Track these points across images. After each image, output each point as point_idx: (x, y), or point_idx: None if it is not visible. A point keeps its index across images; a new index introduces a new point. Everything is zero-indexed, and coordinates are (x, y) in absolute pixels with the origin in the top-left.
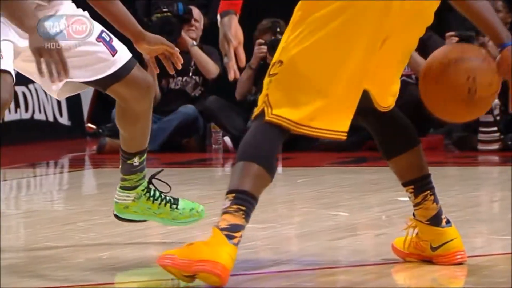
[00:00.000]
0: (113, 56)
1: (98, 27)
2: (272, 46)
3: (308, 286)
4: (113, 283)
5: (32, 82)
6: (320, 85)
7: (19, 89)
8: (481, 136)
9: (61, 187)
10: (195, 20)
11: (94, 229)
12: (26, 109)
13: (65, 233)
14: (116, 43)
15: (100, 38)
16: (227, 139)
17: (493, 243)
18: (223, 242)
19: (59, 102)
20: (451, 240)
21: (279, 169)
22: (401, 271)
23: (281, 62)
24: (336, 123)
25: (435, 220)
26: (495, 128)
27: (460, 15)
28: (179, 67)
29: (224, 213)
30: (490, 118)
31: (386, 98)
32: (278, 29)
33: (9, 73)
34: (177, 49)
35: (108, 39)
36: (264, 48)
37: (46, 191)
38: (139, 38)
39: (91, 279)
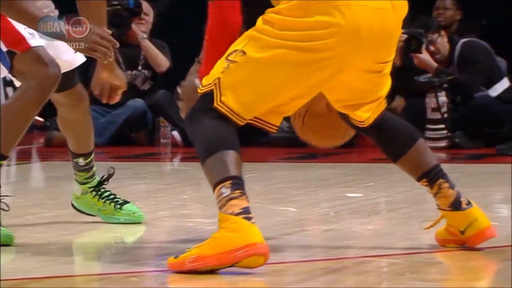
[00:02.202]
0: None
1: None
2: None
3: (256, 280)
4: (65, 276)
5: None
6: (269, 92)
7: None
8: (428, 133)
9: (8, 180)
10: (145, 14)
11: (41, 223)
12: None
13: (12, 227)
14: None
15: None
16: (175, 133)
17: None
18: (247, 224)
19: (5, 95)
20: (475, 220)
21: None
22: (350, 267)
23: (244, 52)
24: (273, 118)
25: (456, 205)
26: (443, 126)
27: (409, 15)
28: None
29: (229, 199)
30: (437, 116)
31: (360, 114)
32: None
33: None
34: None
35: None
36: None
37: None
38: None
39: (41, 271)
